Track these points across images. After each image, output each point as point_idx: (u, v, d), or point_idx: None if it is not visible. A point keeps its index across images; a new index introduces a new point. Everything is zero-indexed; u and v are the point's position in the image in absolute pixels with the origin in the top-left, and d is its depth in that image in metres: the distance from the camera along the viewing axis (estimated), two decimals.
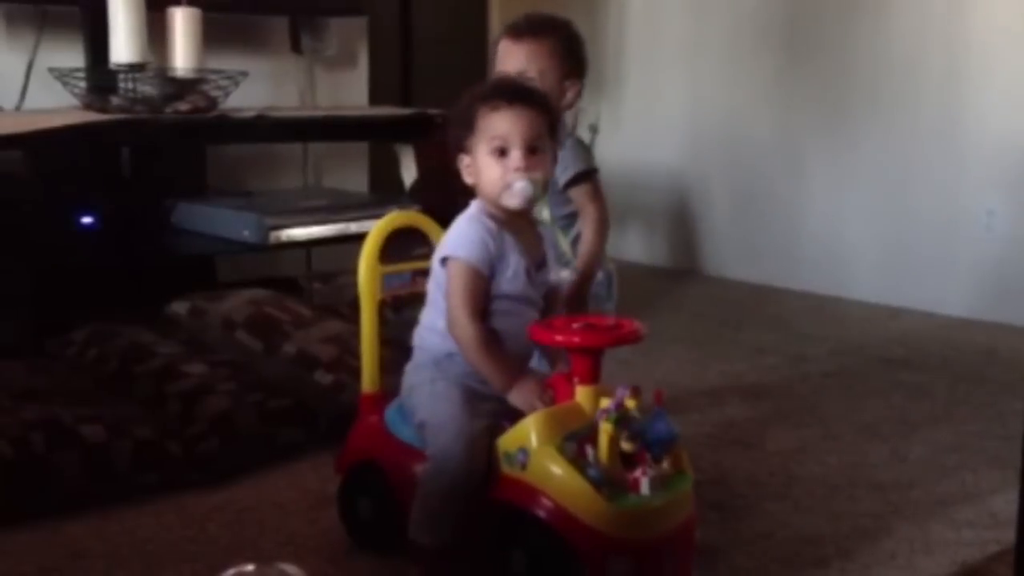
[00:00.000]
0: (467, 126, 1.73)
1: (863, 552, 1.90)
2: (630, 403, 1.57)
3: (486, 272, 1.71)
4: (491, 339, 1.71)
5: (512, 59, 2.11)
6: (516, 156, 1.70)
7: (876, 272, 3.92)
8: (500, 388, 1.69)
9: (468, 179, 1.77)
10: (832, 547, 1.91)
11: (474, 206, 1.77)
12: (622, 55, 4.66)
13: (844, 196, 4.02)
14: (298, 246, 3.16)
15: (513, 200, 1.71)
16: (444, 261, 1.74)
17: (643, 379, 1.92)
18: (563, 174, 2.07)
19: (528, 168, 1.70)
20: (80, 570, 1.80)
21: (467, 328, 1.70)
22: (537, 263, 1.77)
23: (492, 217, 1.74)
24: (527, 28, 2.13)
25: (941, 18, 3.72)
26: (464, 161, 1.76)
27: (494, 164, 1.71)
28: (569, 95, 2.15)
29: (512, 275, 1.73)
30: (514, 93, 1.74)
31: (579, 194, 2.11)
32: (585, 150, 2.16)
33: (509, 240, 1.73)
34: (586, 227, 2.10)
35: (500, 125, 1.71)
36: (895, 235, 3.89)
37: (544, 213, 1.73)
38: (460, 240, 1.73)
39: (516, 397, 1.68)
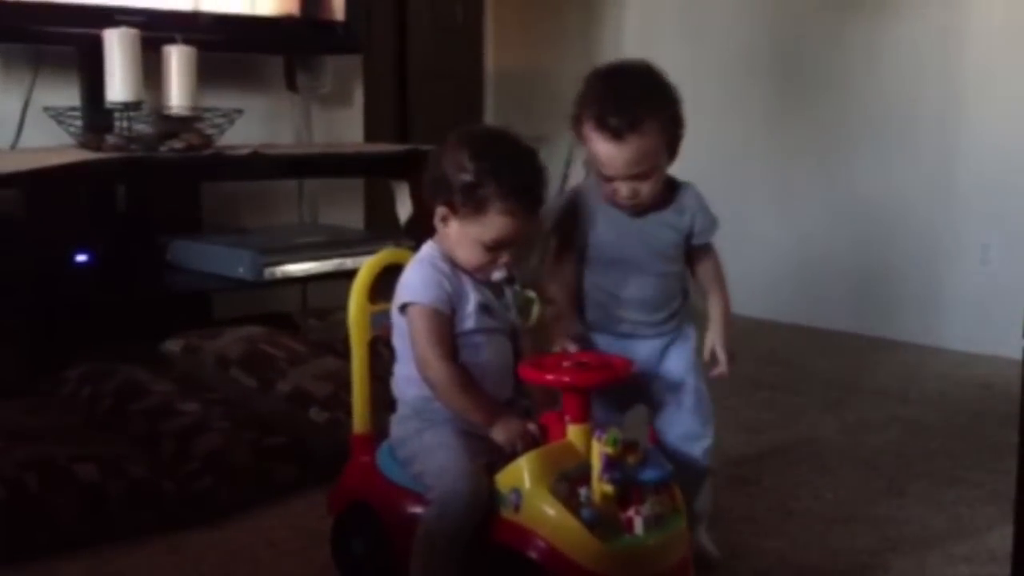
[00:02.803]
0: (469, 200, 1.69)
1: None
2: (609, 449, 1.56)
3: (447, 312, 1.72)
4: (465, 377, 1.71)
5: (618, 162, 1.80)
6: (506, 257, 1.73)
7: (871, 305, 3.92)
8: (482, 425, 1.68)
9: (440, 227, 1.75)
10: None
11: (426, 249, 1.78)
12: None
13: (837, 228, 4.03)
14: (293, 282, 3.16)
15: (482, 277, 1.74)
16: (403, 309, 1.74)
17: (635, 416, 1.92)
18: (701, 226, 1.93)
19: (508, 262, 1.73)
20: None
21: (439, 370, 1.70)
22: (496, 294, 1.77)
23: (444, 259, 1.75)
24: (627, 125, 1.78)
25: (936, 51, 3.75)
26: (442, 213, 1.74)
27: (481, 252, 1.72)
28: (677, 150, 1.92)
29: (472, 310, 1.73)
30: (534, 201, 1.73)
31: (706, 251, 1.97)
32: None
33: (464, 278, 1.74)
34: (716, 283, 1.99)
35: (506, 229, 1.70)
36: (890, 267, 3.90)
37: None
38: (415, 285, 1.73)
39: (498, 434, 1.67)
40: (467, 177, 1.69)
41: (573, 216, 1.91)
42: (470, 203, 1.69)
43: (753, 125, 4.27)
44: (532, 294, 1.80)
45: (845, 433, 2.79)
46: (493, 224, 1.69)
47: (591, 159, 1.85)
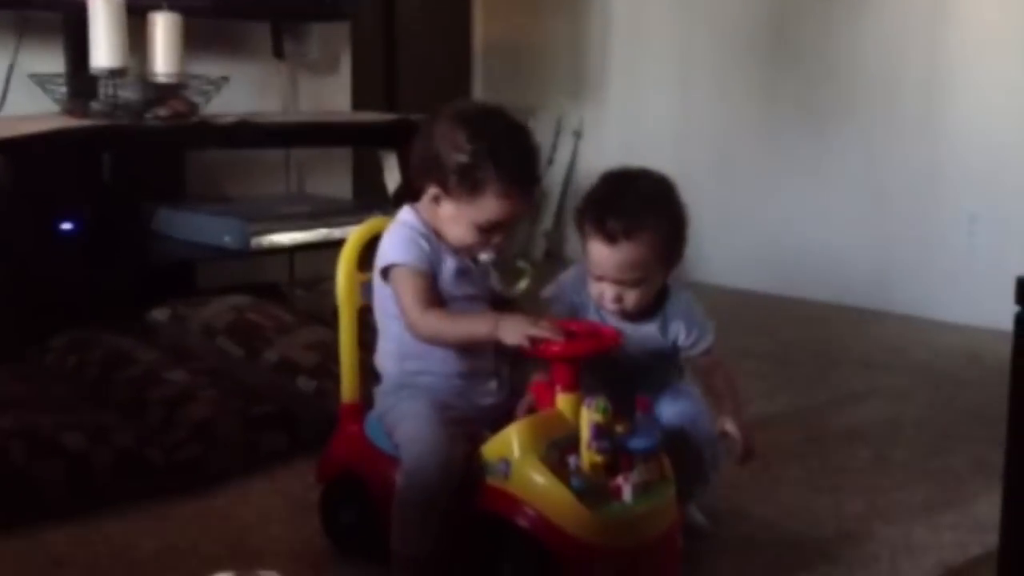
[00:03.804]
0: (465, 182, 1.67)
1: (846, 556, 1.90)
2: (599, 417, 1.56)
3: (428, 271, 1.70)
4: (450, 312, 1.70)
5: (606, 264, 1.78)
6: (499, 239, 1.72)
7: (859, 277, 3.93)
8: (488, 333, 1.65)
9: (429, 204, 1.73)
10: (816, 551, 1.91)
11: (403, 213, 1.76)
12: (606, 60, 4.67)
13: (827, 202, 4.03)
14: (280, 252, 3.15)
15: (470, 256, 1.74)
16: (386, 274, 1.73)
17: (627, 386, 1.92)
18: (699, 342, 1.87)
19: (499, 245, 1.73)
20: None
21: (427, 319, 1.68)
22: (473, 260, 1.77)
23: (423, 222, 1.74)
24: (622, 231, 1.76)
25: (922, 25, 3.74)
26: (434, 193, 1.72)
27: (474, 233, 1.71)
28: (672, 270, 1.87)
29: (451, 275, 1.73)
30: (530, 182, 1.72)
31: (708, 360, 1.91)
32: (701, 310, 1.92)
33: (441, 243, 1.73)
34: (724, 395, 1.89)
35: (502, 211, 1.69)
36: (878, 240, 3.90)
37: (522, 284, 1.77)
38: (397, 247, 1.72)
39: (507, 332, 1.63)
40: (463, 158, 1.67)
41: (563, 303, 1.88)
42: (466, 184, 1.67)
43: (740, 99, 4.25)
44: (524, 264, 1.80)
45: (832, 403, 2.80)
46: (489, 206, 1.68)
47: (585, 257, 1.83)
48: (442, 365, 1.74)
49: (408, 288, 1.70)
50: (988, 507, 2.02)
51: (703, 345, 1.87)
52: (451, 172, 1.67)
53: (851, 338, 3.50)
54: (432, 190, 1.72)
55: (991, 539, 1.52)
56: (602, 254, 1.78)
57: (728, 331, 1.94)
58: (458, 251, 1.73)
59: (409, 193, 1.80)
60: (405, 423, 1.69)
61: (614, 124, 4.66)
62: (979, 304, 3.52)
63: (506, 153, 1.67)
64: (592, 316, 1.86)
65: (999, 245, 3.55)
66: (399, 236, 1.73)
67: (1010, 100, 3.54)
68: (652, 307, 1.86)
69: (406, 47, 4.52)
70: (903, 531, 2.00)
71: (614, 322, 1.84)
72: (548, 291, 1.90)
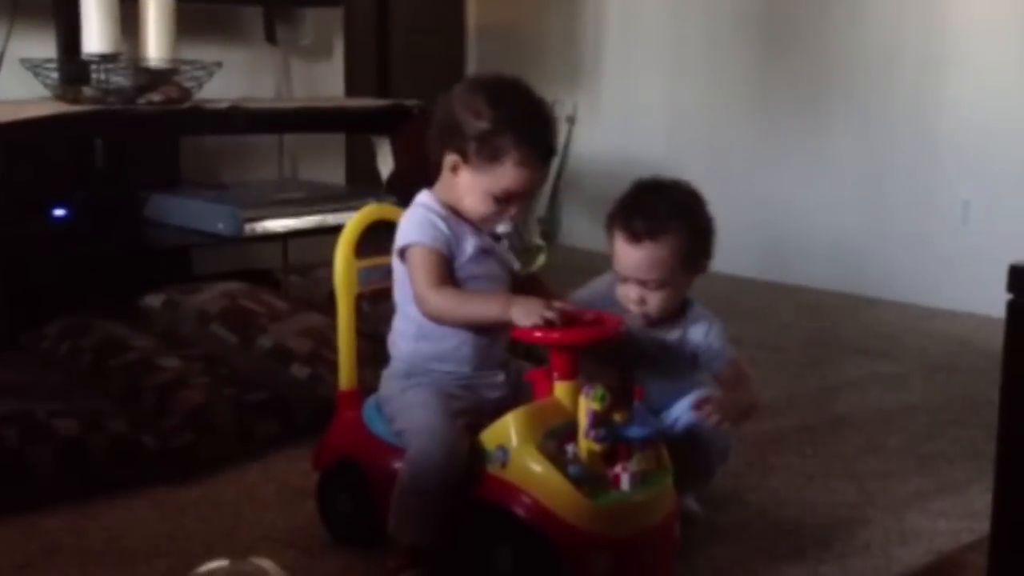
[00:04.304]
0: (484, 148, 1.67)
1: (839, 542, 1.90)
2: (596, 405, 1.56)
3: (446, 252, 1.70)
4: (461, 291, 1.70)
5: (630, 263, 1.85)
6: (514, 210, 1.72)
7: (852, 263, 3.94)
8: (500, 313, 1.64)
9: (447, 176, 1.73)
10: (809, 537, 1.91)
11: (421, 196, 1.76)
12: (600, 46, 4.66)
13: (820, 187, 4.03)
14: (274, 238, 3.14)
15: (487, 228, 1.73)
16: (403, 254, 1.73)
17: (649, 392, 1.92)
18: (708, 355, 1.92)
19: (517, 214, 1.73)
20: (55, 565, 1.79)
21: (438, 296, 1.68)
22: (495, 239, 1.77)
23: (442, 206, 1.73)
24: (646, 231, 1.82)
25: (917, 9, 3.74)
26: (452, 161, 1.72)
27: (491, 202, 1.70)
28: (696, 277, 1.93)
29: (470, 256, 1.72)
30: (548, 152, 1.72)
31: (731, 368, 1.95)
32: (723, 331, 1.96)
33: (461, 223, 1.73)
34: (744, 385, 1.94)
35: (519, 180, 1.68)
36: (871, 225, 3.91)
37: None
38: (413, 228, 1.72)
39: (520, 314, 1.61)
40: (484, 125, 1.67)
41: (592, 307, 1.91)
42: (485, 152, 1.67)
43: (734, 84, 4.25)
44: (540, 241, 1.80)
45: (825, 390, 2.80)
46: (507, 174, 1.68)
47: (614, 259, 1.90)
48: (456, 351, 1.74)
49: (422, 266, 1.69)
50: (980, 494, 2.03)
51: (720, 363, 1.92)
52: (471, 139, 1.68)
53: (844, 325, 3.51)
54: (451, 158, 1.72)
55: (983, 526, 1.53)
56: (626, 253, 1.86)
57: (721, 318, 1.95)
58: (476, 223, 1.73)
59: (403, 179, 1.79)
60: (411, 412, 1.69)
61: (608, 110, 4.66)
62: (972, 291, 3.53)
63: (526, 122, 1.68)
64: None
65: (992, 232, 3.56)
66: (416, 217, 1.73)
67: (1005, 87, 3.54)
68: (673, 317, 1.92)
69: (399, 32, 4.50)
70: (896, 517, 2.01)
71: (643, 330, 1.90)
72: (579, 294, 1.96)
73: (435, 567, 1.67)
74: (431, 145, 1.75)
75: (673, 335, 1.93)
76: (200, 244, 3.12)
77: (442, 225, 1.71)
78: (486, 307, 1.67)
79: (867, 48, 3.87)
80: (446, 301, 1.68)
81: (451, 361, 1.74)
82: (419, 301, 1.70)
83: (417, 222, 1.72)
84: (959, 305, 3.59)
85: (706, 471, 1.91)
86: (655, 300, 1.87)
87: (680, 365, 1.95)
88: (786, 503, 2.07)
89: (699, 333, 1.92)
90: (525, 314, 1.61)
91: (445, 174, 1.74)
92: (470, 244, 1.72)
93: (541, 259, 1.83)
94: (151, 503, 2.02)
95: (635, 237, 1.84)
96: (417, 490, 1.62)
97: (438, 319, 1.70)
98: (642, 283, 1.86)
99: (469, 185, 1.70)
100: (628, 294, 1.88)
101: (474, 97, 1.69)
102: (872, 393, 2.79)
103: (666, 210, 1.86)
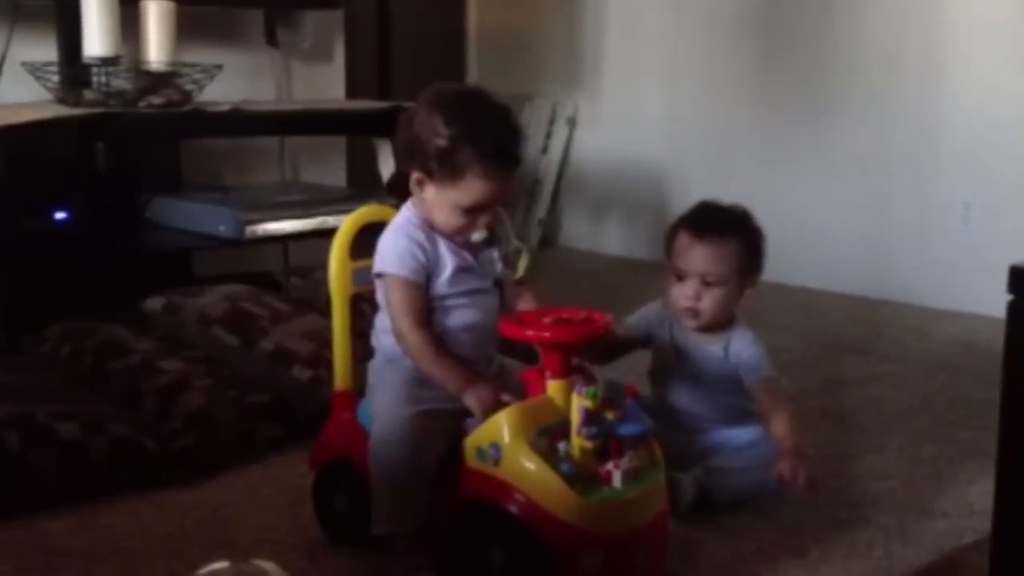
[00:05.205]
0: (445, 166, 1.67)
1: (840, 542, 1.90)
2: (588, 403, 1.57)
3: (421, 281, 1.72)
4: (437, 345, 1.71)
5: (695, 257, 2.03)
6: (484, 219, 1.72)
7: (853, 263, 3.94)
8: (455, 391, 1.67)
9: (415, 191, 1.73)
10: (810, 537, 1.91)
11: (403, 214, 1.77)
12: (600, 48, 4.66)
13: (821, 188, 4.03)
14: (275, 241, 3.14)
15: (461, 238, 1.74)
16: (379, 276, 1.75)
17: (619, 372, 1.93)
18: (749, 366, 2.04)
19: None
20: (56, 569, 1.79)
21: (413, 338, 1.70)
22: (475, 254, 1.76)
23: (421, 226, 1.73)
24: (712, 227, 2.05)
25: (918, 9, 3.74)
26: (417, 178, 1.72)
27: (459, 216, 1.71)
28: (746, 294, 2.09)
29: (450, 276, 1.73)
30: (511, 163, 1.71)
31: (768, 393, 2.05)
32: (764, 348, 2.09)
33: (441, 243, 1.73)
34: (781, 420, 2.01)
35: (483, 193, 1.68)
36: (872, 226, 3.90)
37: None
38: (389, 256, 1.73)
39: (470, 401, 1.66)
40: (442, 143, 1.66)
41: (641, 329, 2.14)
42: (446, 169, 1.67)
43: (734, 86, 4.25)
44: (520, 244, 1.81)
45: (825, 389, 2.80)
46: (470, 188, 1.67)
47: (671, 268, 2.06)
48: (451, 344, 1.75)
49: (398, 300, 1.72)
50: (981, 494, 2.03)
51: (758, 374, 2.04)
52: (431, 157, 1.68)
53: (845, 326, 3.50)
54: (416, 175, 1.72)
55: (985, 526, 1.53)
56: (691, 248, 2.03)
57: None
58: (448, 235, 1.73)
59: (404, 182, 1.80)
60: (381, 396, 1.73)
61: (609, 112, 4.66)
62: (973, 292, 3.53)
63: (484, 135, 1.67)
64: (667, 345, 2.10)
65: (993, 233, 3.56)
66: (394, 246, 1.73)
67: (1006, 88, 3.54)
68: (717, 329, 2.07)
69: (400, 35, 4.50)
70: (897, 518, 2.01)
71: (689, 342, 2.07)
72: (629, 320, 2.13)
73: (437, 570, 1.66)
74: (396, 161, 1.77)
75: (716, 347, 2.05)
76: (201, 247, 3.12)
77: (419, 255, 1.71)
78: (445, 380, 1.69)
79: (867, 49, 3.86)
80: (419, 349, 1.70)
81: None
82: (397, 335, 1.73)
83: (396, 252, 1.72)
84: (960, 306, 3.59)
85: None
86: (709, 300, 2.02)
87: (721, 378, 2.06)
88: (787, 503, 2.06)
89: (742, 346, 2.04)
90: (477, 403, 1.64)
91: (414, 190, 1.74)
92: (448, 264, 1.73)
93: (524, 263, 1.84)
94: (153, 506, 2.03)
95: (701, 234, 2.02)
96: (383, 475, 1.64)
97: (407, 355, 1.73)
98: (702, 281, 2.01)
99: (436, 200, 1.71)
100: (684, 292, 2.02)
101: (431, 115, 1.68)
102: (873, 393, 2.78)
103: (729, 217, 2.08)
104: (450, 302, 1.74)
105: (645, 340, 2.14)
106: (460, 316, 1.75)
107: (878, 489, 2.15)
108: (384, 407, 1.70)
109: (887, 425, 2.53)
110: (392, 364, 1.77)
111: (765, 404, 2.03)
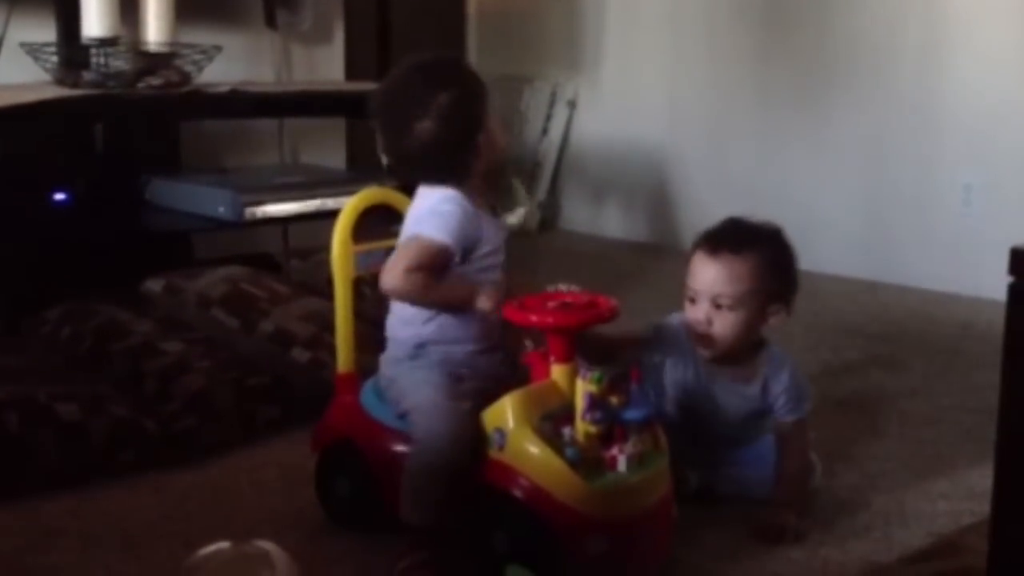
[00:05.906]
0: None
1: (840, 525, 1.91)
2: (593, 388, 1.57)
3: (455, 252, 1.71)
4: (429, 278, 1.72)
5: (705, 276, 1.85)
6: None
7: (853, 246, 3.93)
8: (466, 301, 1.70)
9: (487, 153, 1.77)
10: (809, 520, 1.91)
11: (453, 192, 1.75)
12: (601, 30, 4.64)
13: (822, 170, 4.02)
14: (275, 223, 3.14)
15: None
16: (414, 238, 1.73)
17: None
18: (785, 407, 1.90)
19: None
20: (56, 549, 1.79)
21: (413, 278, 1.69)
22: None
23: (469, 199, 1.74)
24: (726, 242, 1.86)
25: None
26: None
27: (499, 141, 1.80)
28: (772, 320, 1.88)
29: (490, 249, 1.75)
30: None
31: (795, 429, 1.92)
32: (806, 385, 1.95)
33: (484, 217, 1.75)
34: (791, 464, 1.91)
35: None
36: (872, 209, 3.90)
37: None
38: (435, 220, 1.71)
39: (484, 303, 1.69)
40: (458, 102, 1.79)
41: (658, 347, 1.94)
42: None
43: (734, 68, 4.24)
44: (517, 183, 1.84)
45: (825, 373, 2.80)
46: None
47: (686, 288, 1.88)
48: (455, 331, 1.75)
49: (418, 255, 1.70)
50: (981, 477, 2.03)
51: (797, 413, 1.91)
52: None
53: (845, 309, 3.50)
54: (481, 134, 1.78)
55: (984, 508, 1.53)
56: (703, 266, 1.85)
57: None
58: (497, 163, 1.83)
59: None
60: (419, 392, 1.69)
61: (609, 94, 4.65)
62: (974, 274, 3.53)
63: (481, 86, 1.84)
64: (689, 370, 1.91)
65: (994, 215, 3.55)
66: (448, 214, 1.71)
67: (1007, 70, 3.53)
68: (737, 357, 1.88)
69: (400, 17, 4.49)
70: (896, 500, 2.01)
71: (719, 387, 1.90)
72: (649, 326, 1.96)
73: (442, 561, 1.65)
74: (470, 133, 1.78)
75: (752, 389, 1.90)
76: (201, 228, 3.11)
77: (468, 227, 1.72)
78: (453, 296, 1.71)
79: (868, 31, 3.85)
80: (420, 286, 1.70)
81: (452, 342, 1.75)
82: (392, 280, 1.71)
83: (446, 218, 1.71)
84: (960, 288, 3.59)
85: None
86: (721, 324, 1.84)
87: (752, 415, 1.93)
88: None
89: (780, 388, 1.89)
90: (491, 302, 1.68)
91: (485, 151, 1.76)
92: (491, 239, 1.75)
93: (520, 210, 1.89)
94: (153, 487, 2.03)
95: (714, 250, 1.84)
96: (424, 470, 1.63)
97: (400, 296, 1.73)
98: (713, 303, 1.83)
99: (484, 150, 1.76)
100: (696, 315, 1.85)
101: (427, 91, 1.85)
102: (873, 376, 2.79)
103: (749, 232, 1.88)
104: (480, 276, 1.74)
105: (648, 354, 1.95)
106: (485, 277, 1.76)
107: (877, 471, 2.15)
108: (430, 405, 1.66)
109: (886, 407, 2.54)
110: (422, 359, 1.75)
111: (786, 442, 1.91)
